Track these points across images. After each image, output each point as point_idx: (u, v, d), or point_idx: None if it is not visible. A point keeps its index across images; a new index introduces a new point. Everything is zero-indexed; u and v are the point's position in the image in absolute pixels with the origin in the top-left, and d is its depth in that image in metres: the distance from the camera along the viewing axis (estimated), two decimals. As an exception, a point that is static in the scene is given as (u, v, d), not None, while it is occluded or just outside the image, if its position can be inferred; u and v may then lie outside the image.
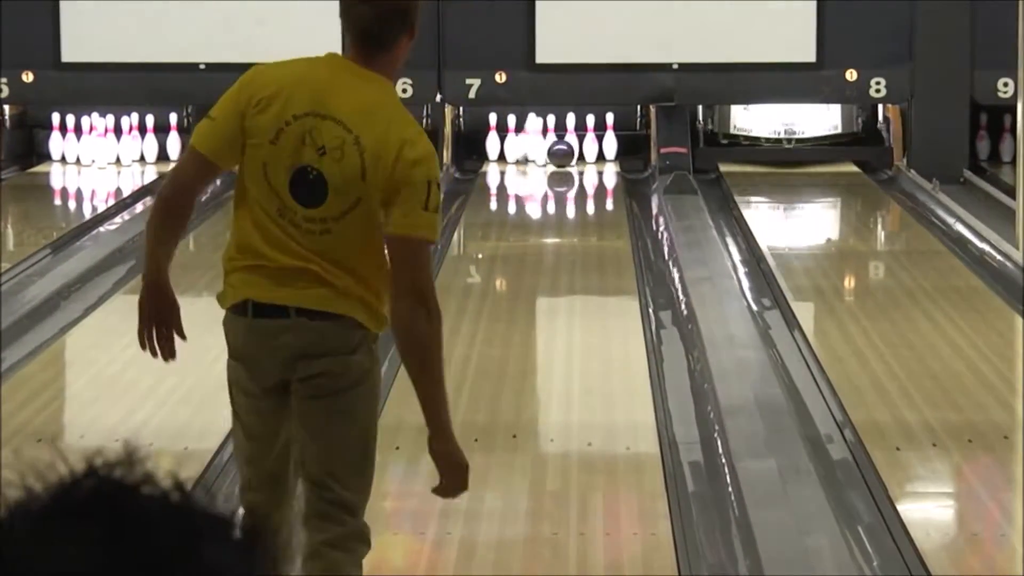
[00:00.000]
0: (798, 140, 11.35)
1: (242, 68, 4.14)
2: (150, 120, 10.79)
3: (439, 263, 7.58)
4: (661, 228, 9.11)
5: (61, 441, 5.67)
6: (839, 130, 11.36)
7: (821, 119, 11.35)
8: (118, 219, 9.56)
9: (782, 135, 11.46)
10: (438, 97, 10.34)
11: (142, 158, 10.90)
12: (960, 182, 10.21)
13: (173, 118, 10.77)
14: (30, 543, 0.96)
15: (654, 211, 9.64)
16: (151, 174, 10.72)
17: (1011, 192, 8.81)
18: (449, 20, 10.42)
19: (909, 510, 4.71)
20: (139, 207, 9.73)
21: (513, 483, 4.79)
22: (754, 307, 7.34)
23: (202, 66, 10.17)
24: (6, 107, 10.83)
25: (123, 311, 6.92)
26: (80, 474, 0.97)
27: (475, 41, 10.52)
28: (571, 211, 9.98)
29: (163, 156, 10.87)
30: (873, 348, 6.69)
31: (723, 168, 10.63)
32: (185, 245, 8.18)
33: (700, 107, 11.10)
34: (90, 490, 0.97)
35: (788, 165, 11.04)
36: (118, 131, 10.81)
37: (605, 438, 5.21)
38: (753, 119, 11.25)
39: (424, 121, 10.41)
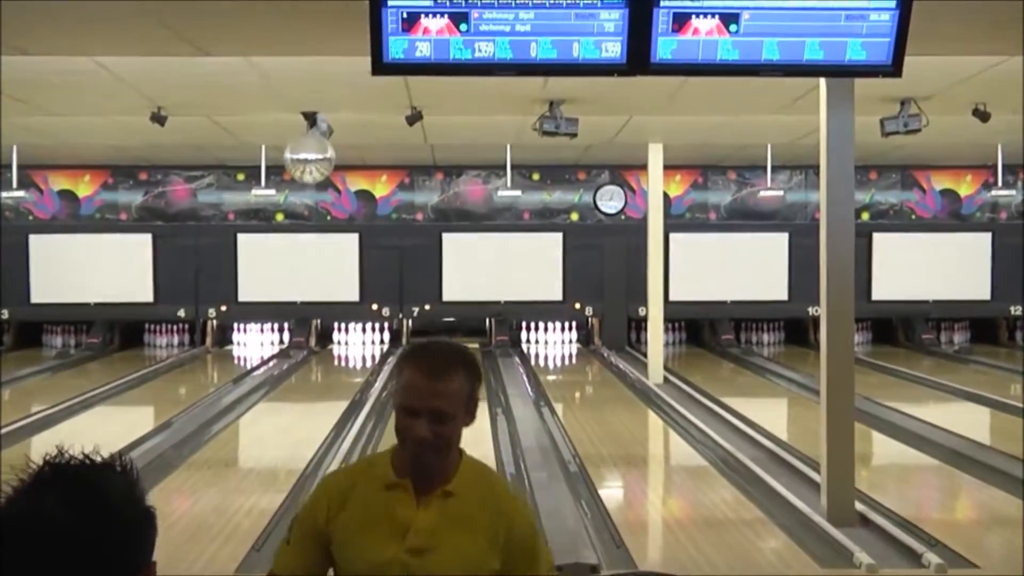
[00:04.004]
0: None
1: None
2: (284, 327, 15.19)
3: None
4: (495, 372, 11.36)
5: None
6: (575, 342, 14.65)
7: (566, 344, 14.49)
8: (262, 369, 13.08)
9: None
10: (400, 316, 14.52)
11: (282, 341, 15.12)
12: (623, 350, 14.15)
13: (286, 324, 14.97)
14: (14, 504, 1.13)
15: (491, 365, 11.87)
16: (280, 351, 14.55)
17: (645, 354, 11.83)
18: (406, 276, 14.03)
19: (605, 491, 6.22)
20: (272, 363, 13.33)
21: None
22: (537, 403, 9.49)
23: (300, 302, 14.65)
24: (213, 322, 14.99)
25: (268, 412, 9.98)
26: (40, 464, 1.13)
27: (409, 288, 14.15)
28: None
29: (286, 343, 14.69)
30: (586, 423, 8.56)
31: (524, 348, 14.62)
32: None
33: (513, 321, 14.78)
34: (47, 471, 1.13)
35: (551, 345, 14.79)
36: (264, 331, 15.13)
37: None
38: (543, 335, 14.68)
39: (396, 322, 14.44)
